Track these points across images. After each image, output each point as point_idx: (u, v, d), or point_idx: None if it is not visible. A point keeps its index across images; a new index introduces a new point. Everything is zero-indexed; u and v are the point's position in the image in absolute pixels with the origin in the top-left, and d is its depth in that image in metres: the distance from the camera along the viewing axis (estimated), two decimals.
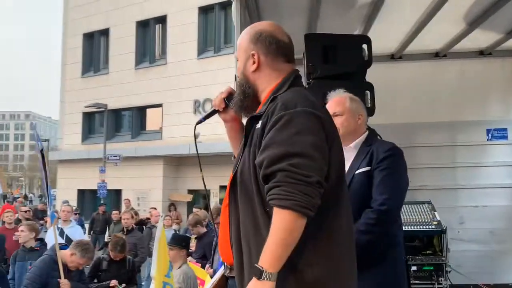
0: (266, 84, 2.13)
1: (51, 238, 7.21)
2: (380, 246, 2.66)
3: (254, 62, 2.12)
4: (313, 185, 1.78)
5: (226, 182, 2.43)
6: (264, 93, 2.13)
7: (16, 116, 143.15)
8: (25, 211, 11.54)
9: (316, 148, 1.84)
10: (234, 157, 2.53)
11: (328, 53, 3.13)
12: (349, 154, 2.78)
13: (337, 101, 2.95)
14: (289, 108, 1.89)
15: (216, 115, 2.42)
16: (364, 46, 3.22)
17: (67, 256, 5.30)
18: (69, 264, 5.28)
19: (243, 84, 2.16)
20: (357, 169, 2.76)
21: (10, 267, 6.71)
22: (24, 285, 5.09)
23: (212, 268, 7.31)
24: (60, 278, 5.19)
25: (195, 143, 2.45)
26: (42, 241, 6.99)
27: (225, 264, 2.24)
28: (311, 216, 1.78)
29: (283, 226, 1.75)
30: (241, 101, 2.16)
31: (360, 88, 3.16)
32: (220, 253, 2.23)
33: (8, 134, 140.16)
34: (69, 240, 6.88)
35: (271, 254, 1.76)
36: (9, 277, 6.52)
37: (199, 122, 2.45)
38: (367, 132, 2.96)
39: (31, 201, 34.08)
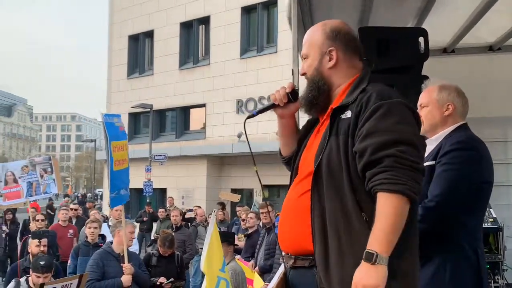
0: (342, 80, 2.17)
1: (105, 232, 7.48)
2: (422, 244, 2.43)
3: (331, 59, 2.16)
4: (420, 171, 1.83)
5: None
6: (340, 88, 2.16)
7: (62, 117, 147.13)
8: (75, 209, 11.84)
9: (417, 138, 1.90)
10: (281, 155, 2.54)
11: (383, 47, 3.10)
12: (429, 147, 2.66)
13: (425, 92, 2.85)
14: (385, 99, 1.93)
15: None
16: (421, 39, 3.18)
17: None
18: None
19: (318, 80, 2.18)
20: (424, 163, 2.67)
21: (70, 262, 6.95)
22: (87, 272, 5.36)
23: (256, 266, 7.37)
24: (116, 268, 5.50)
25: (246, 136, 2.49)
26: (103, 237, 7.22)
27: (289, 255, 2.20)
28: (417, 201, 1.83)
29: (393, 211, 1.78)
30: (314, 98, 2.18)
31: (416, 82, 3.13)
32: (287, 243, 2.21)
33: (55, 136, 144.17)
34: None
35: (384, 238, 1.78)
36: (69, 271, 6.74)
37: (251, 117, 2.45)
38: (457, 125, 2.76)
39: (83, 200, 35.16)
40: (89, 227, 7.15)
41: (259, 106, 19.73)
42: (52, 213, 20.94)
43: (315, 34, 2.23)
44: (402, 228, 1.80)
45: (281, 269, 2.45)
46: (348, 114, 2.01)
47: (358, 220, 1.88)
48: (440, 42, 4.70)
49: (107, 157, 5.48)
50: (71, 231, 9.49)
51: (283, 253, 2.26)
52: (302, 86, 2.37)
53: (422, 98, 2.85)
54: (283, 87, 2.36)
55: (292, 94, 2.32)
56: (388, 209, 1.78)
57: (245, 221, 9.48)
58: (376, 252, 1.77)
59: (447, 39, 4.62)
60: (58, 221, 9.75)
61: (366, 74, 2.14)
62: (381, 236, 1.78)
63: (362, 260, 1.80)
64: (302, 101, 2.25)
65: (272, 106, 2.38)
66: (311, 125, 2.35)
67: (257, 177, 2.49)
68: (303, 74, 2.27)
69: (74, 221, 11.11)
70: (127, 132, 25.31)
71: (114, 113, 5.89)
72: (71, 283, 4.00)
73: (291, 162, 2.43)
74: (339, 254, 1.91)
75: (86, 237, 7.19)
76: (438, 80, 2.90)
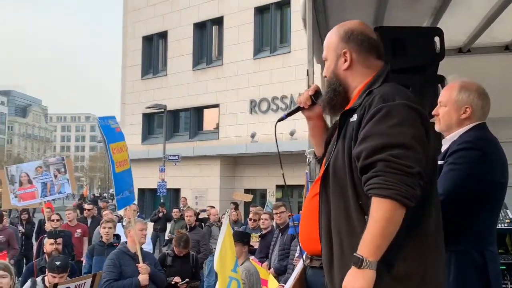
0: (358, 81, 2.17)
1: (119, 232, 7.53)
2: None
3: (345, 60, 2.17)
4: (414, 175, 1.79)
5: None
6: (356, 90, 2.16)
7: (76, 118, 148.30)
8: (89, 209, 11.93)
9: (416, 140, 1.85)
10: (315, 156, 2.60)
11: (398, 46, 3.08)
12: (444, 146, 2.65)
13: (445, 89, 2.77)
14: (388, 101, 1.91)
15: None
16: (436, 38, 3.15)
17: None
18: None
19: (334, 82, 2.20)
20: None
21: (85, 262, 7.01)
22: (104, 272, 5.43)
23: (271, 266, 7.36)
24: (132, 267, 5.53)
25: (276, 139, 2.55)
26: (118, 237, 7.27)
27: (306, 254, 2.27)
28: (411, 206, 1.79)
29: (383, 216, 1.77)
30: (331, 99, 2.20)
31: (432, 82, 3.11)
32: (303, 243, 2.28)
33: (69, 136, 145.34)
34: None
35: (371, 243, 1.78)
36: (84, 271, 6.80)
37: (281, 120, 2.50)
38: (472, 125, 2.67)
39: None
40: (104, 227, 7.20)
41: (272, 107, 19.77)
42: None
43: (331, 37, 2.25)
44: (393, 232, 1.79)
45: (297, 270, 2.48)
46: (354, 117, 2.01)
47: (360, 223, 1.88)
48: (456, 42, 4.66)
49: (108, 160, 5.47)
50: (79, 230, 9.57)
51: (304, 252, 2.33)
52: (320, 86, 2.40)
53: (442, 96, 2.76)
54: (307, 90, 2.41)
55: (315, 96, 2.36)
56: (377, 214, 1.78)
57: (252, 221, 9.50)
58: (363, 257, 1.78)
59: (463, 39, 4.59)
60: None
61: (381, 74, 2.12)
62: (368, 240, 1.79)
63: (352, 265, 1.81)
64: (322, 103, 2.28)
65: (299, 109, 2.45)
66: (335, 128, 2.36)
67: (283, 179, 2.57)
68: (325, 76, 2.30)
69: (89, 221, 11.20)
70: (141, 133, 25.16)
71: (108, 115, 5.84)
72: (84, 283, 4.03)
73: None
74: (341, 256, 1.93)
75: (101, 237, 7.24)
76: (460, 77, 2.81)
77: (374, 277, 1.78)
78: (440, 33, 3.19)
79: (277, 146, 2.56)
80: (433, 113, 2.76)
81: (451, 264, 2.50)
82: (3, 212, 10.70)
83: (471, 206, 2.52)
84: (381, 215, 1.77)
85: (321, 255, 2.08)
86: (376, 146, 1.83)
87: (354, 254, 1.80)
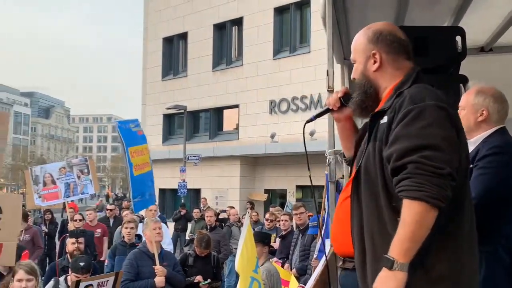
0: (388, 82, 2.16)
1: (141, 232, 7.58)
2: None
3: (375, 62, 2.17)
4: (444, 177, 1.78)
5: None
6: (386, 91, 2.16)
7: (98, 119, 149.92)
8: (111, 210, 12.06)
9: (447, 141, 1.85)
10: (345, 157, 2.61)
11: (419, 46, 3.05)
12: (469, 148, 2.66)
13: (465, 94, 2.84)
14: (417, 102, 1.90)
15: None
16: (458, 38, 3.12)
17: None
18: None
19: (364, 84, 2.20)
20: None
21: (108, 261, 7.09)
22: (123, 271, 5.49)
23: (292, 267, 7.36)
24: (150, 268, 5.57)
25: (304, 139, 2.58)
26: (140, 237, 7.34)
27: (338, 256, 2.29)
28: (442, 207, 1.78)
29: (414, 218, 1.77)
30: (362, 102, 2.20)
31: (454, 82, 3.08)
32: (335, 245, 2.30)
33: (91, 137, 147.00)
34: None
35: (402, 245, 1.78)
36: (107, 270, 6.88)
37: (310, 121, 2.52)
38: (494, 129, 2.76)
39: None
40: (126, 227, 7.27)
41: (292, 107, 19.75)
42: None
43: (359, 38, 2.25)
44: (424, 234, 1.78)
45: (317, 271, 2.48)
46: (385, 119, 2.01)
47: (392, 225, 1.87)
48: (478, 41, 4.60)
49: (126, 163, 5.50)
50: (98, 230, 9.69)
51: (323, 254, 2.36)
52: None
53: (462, 101, 2.85)
54: (336, 91, 2.41)
55: (345, 98, 2.36)
56: (408, 217, 1.78)
57: (268, 221, 9.52)
58: (394, 258, 1.78)
59: (485, 38, 4.52)
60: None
61: (411, 75, 2.12)
62: (399, 242, 1.78)
63: (383, 266, 1.81)
64: (352, 106, 2.28)
65: (328, 111, 2.47)
66: (365, 129, 2.36)
67: (310, 179, 2.59)
68: (353, 79, 2.29)
69: (111, 221, 11.33)
70: (161, 134, 25.34)
71: (130, 119, 5.88)
72: (107, 280, 4.05)
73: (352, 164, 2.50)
74: (374, 257, 1.93)
75: (123, 237, 7.31)
76: (477, 83, 2.88)
77: (405, 279, 1.78)
78: (462, 32, 3.15)
79: (305, 147, 2.61)
80: None
81: (481, 264, 2.51)
82: (28, 212, 10.86)
83: (499, 209, 2.60)
84: (412, 217, 1.77)
85: (353, 257, 2.09)
86: (406, 148, 1.83)
87: (385, 255, 1.81)
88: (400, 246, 1.78)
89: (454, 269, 1.89)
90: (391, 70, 2.16)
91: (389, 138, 1.93)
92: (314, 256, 5.78)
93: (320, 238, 5.83)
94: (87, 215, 9.97)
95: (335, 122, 2.51)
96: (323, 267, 2.58)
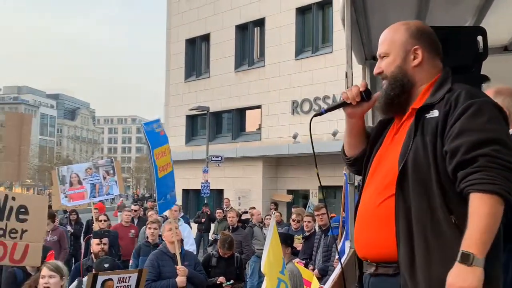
0: (425, 79, 2.16)
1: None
2: None
3: (415, 57, 2.17)
4: None
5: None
6: (422, 88, 2.16)
7: (123, 120, 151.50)
8: (135, 210, 12.18)
9: (509, 137, 1.86)
10: (345, 155, 2.51)
11: (442, 46, 3.03)
12: None
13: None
14: (475, 97, 1.92)
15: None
16: (479, 38, 3.08)
17: None
18: None
19: (401, 79, 2.17)
20: None
21: (132, 261, 7.17)
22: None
23: (315, 268, 7.34)
24: (171, 268, 5.63)
25: (310, 134, 2.46)
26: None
27: (368, 262, 2.14)
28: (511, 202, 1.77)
29: (489, 211, 1.75)
30: (396, 96, 2.17)
31: (476, 82, 3.03)
32: (366, 251, 2.15)
33: (116, 138, 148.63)
34: None
35: (479, 240, 1.74)
36: None
37: (319, 114, 2.44)
38: None
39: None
40: (149, 228, 7.34)
41: (315, 107, 19.67)
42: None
43: (397, 32, 2.22)
44: (497, 228, 1.76)
45: (335, 273, 2.44)
46: (434, 113, 1.99)
47: (447, 223, 1.85)
48: (501, 40, 4.53)
49: (151, 165, 5.54)
50: (132, 231, 9.80)
51: (365, 261, 2.19)
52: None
53: None
54: (356, 85, 2.33)
55: (366, 93, 2.30)
56: (483, 210, 1.74)
57: (295, 222, 9.51)
58: (473, 254, 1.73)
59: (508, 37, 4.46)
60: (121, 221, 10.10)
61: (448, 73, 2.15)
62: (476, 237, 1.74)
63: (457, 262, 1.75)
64: (382, 100, 2.22)
65: (343, 105, 2.35)
66: (383, 126, 2.33)
67: (318, 178, 2.52)
68: (379, 73, 2.24)
69: (135, 221, 11.45)
70: (184, 134, 25.48)
71: (153, 120, 5.95)
72: (129, 277, 3.98)
73: (357, 163, 2.43)
74: (426, 258, 1.87)
75: (147, 237, 7.38)
76: (494, 84, 2.87)
77: (483, 275, 1.72)
78: (483, 32, 3.11)
79: (312, 142, 2.53)
80: None
81: (508, 264, 2.48)
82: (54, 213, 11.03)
83: None
84: (487, 211, 1.74)
85: (394, 262, 1.98)
86: (475, 140, 1.82)
87: (462, 251, 1.75)
88: (477, 240, 1.73)
89: (500, 270, 1.87)
90: (429, 68, 2.17)
91: (446, 131, 1.91)
92: (336, 257, 5.76)
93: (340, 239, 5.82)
94: (125, 215, 10.14)
95: (346, 118, 2.40)
96: (340, 271, 2.51)
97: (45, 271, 4.32)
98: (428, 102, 2.04)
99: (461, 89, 1.98)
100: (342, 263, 2.52)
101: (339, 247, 6.42)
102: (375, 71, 2.28)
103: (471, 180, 1.78)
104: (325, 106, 2.41)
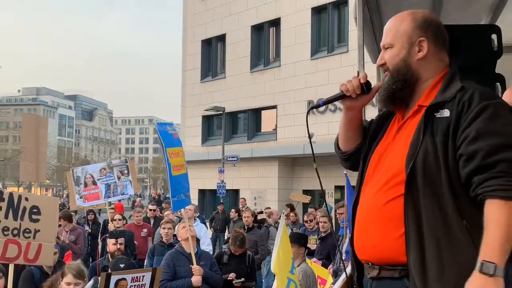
0: (431, 74, 2.05)
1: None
2: None
3: (420, 50, 2.04)
4: None
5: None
6: (427, 83, 2.05)
7: (140, 121, 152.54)
8: (153, 210, 12.24)
9: None
10: (339, 149, 2.42)
11: (453, 45, 3.00)
12: None
13: (508, 90, 2.76)
14: (490, 99, 1.82)
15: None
16: (493, 36, 3.04)
17: None
18: None
19: (405, 72, 2.05)
20: None
21: (147, 262, 7.21)
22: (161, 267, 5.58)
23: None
24: (187, 268, 5.65)
25: (307, 127, 2.37)
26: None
27: (370, 264, 2.06)
28: None
29: (509, 219, 1.67)
30: (399, 90, 2.06)
31: (490, 81, 3.00)
32: (369, 253, 2.06)
33: (133, 138, 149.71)
34: None
35: (500, 249, 1.67)
36: None
37: (317, 106, 2.37)
38: None
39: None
40: (163, 228, 7.37)
41: (330, 107, 19.57)
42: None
43: (403, 22, 2.09)
44: None
45: (344, 273, 2.40)
46: (445, 113, 1.89)
47: (459, 228, 1.78)
48: None
49: (165, 163, 5.63)
50: (145, 230, 9.86)
51: (365, 264, 2.10)
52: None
53: (505, 97, 2.70)
54: (356, 77, 2.21)
55: (366, 85, 2.19)
56: (503, 218, 1.67)
57: (308, 222, 9.49)
58: (495, 264, 1.65)
59: None
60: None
61: (456, 70, 2.03)
62: (497, 246, 1.67)
63: (477, 272, 1.68)
64: (383, 92, 2.11)
65: (342, 97, 2.23)
66: (383, 121, 2.23)
67: (317, 174, 2.44)
68: (382, 64, 2.13)
69: (152, 221, 11.52)
70: (200, 135, 25.51)
71: (167, 122, 6.08)
72: (143, 276, 3.98)
73: (352, 158, 2.34)
74: (439, 264, 1.79)
75: (161, 237, 7.41)
76: None
77: (503, 285, 1.66)
78: (497, 30, 3.07)
79: (309, 136, 2.52)
80: None
81: None
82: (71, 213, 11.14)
83: None
84: (508, 218, 1.67)
85: (399, 264, 1.92)
86: (496, 144, 1.73)
87: (483, 261, 1.67)
88: (499, 249, 1.66)
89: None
90: (435, 61, 2.05)
91: (459, 133, 1.83)
92: (343, 257, 5.74)
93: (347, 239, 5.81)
94: (136, 216, 10.20)
95: (344, 110, 2.29)
96: (344, 281, 2.43)
97: (70, 278, 4.39)
98: (439, 101, 1.93)
99: (474, 88, 1.88)
100: (346, 271, 2.44)
101: (344, 248, 6.40)
102: (378, 62, 2.18)
103: (491, 186, 1.71)
104: (324, 99, 2.31)
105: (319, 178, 2.42)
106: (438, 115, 1.91)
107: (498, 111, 1.79)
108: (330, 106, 19.62)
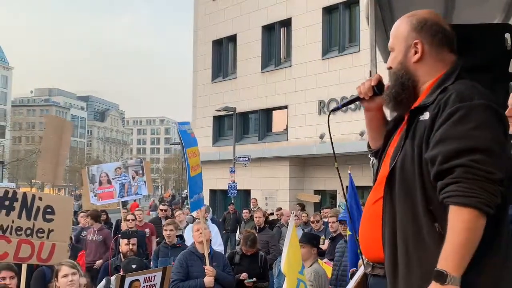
0: (429, 75, 2.02)
1: (189, 234, 7.69)
2: None
3: (416, 52, 2.03)
4: (495, 182, 1.67)
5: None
6: (426, 85, 2.03)
7: (152, 121, 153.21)
8: (164, 210, 12.28)
9: (497, 143, 1.72)
10: (370, 148, 2.45)
11: (466, 44, 2.98)
12: None
13: None
14: (465, 101, 1.78)
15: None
16: (507, 35, 3.02)
17: None
18: None
19: (402, 76, 2.05)
20: None
21: (152, 263, 7.23)
22: (172, 272, 5.57)
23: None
24: (199, 268, 5.65)
25: (329, 130, 2.43)
26: (181, 238, 7.44)
27: (367, 261, 2.14)
28: (491, 214, 1.66)
29: (465, 226, 1.65)
30: (398, 94, 2.06)
31: (503, 80, 2.98)
32: (364, 250, 2.13)
33: (145, 139, 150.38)
34: None
35: (454, 257, 1.65)
36: None
37: (336, 109, 2.44)
38: None
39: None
40: (165, 230, 7.36)
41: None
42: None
43: (400, 25, 2.10)
44: (476, 244, 1.65)
45: (358, 274, 2.42)
46: (426, 116, 1.87)
47: (430, 231, 1.76)
48: None
49: (185, 164, 5.62)
50: (147, 230, 9.87)
51: (365, 259, 2.19)
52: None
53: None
54: (369, 79, 2.25)
55: (378, 87, 2.21)
56: (459, 225, 1.64)
57: (314, 223, 9.47)
58: (447, 272, 1.64)
59: None
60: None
61: (454, 70, 1.98)
62: (451, 254, 1.65)
63: (432, 279, 1.67)
64: (385, 97, 2.13)
65: (357, 99, 2.31)
66: (397, 122, 2.23)
67: (338, 173, 2.45)
68: (389, 68, 2.14)
69: (163, 221, 11.54)
70: (212, 135, 25.57)
71: (184, 121, 6.05)
72: (154, 276, 4.02)
73: (377, 156, 2.35)
74: (406, 263, 1.81)
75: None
76: None
77: None
78: (510, 29, 3.05)
79: (331, 138, 2.50)
80: (506, 113, 2.67)
81: None
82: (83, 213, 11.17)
83: None
84: (464, 226, 1.64)
85: (383, 262, 1.96)
86: (453, 150, 1.70)
87: (436, 268, 1.67)
88: (452, 258, 1.64)
89: (497, 283, 1.75)
90: (433, 62, 2.02)
91: (431, 137, 1.81)
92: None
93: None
94: (137, 215, 10.21)
95: (364, 111, 2.35)
96: (362, 274, 2.46)
97: (66, 269, 4.29)
98: (421, 104, 1.93)
99: (454, 89, 1.83)
100: (354, 276, 2.47)
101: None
102: (387, 65, 2.20)
103: (448, 192, 1.69)
104: (342, 102, 2.37)
105: (340, 177, 2.45)
106: (421, 118, 1.90)
107: (468, 114, 1.74)
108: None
